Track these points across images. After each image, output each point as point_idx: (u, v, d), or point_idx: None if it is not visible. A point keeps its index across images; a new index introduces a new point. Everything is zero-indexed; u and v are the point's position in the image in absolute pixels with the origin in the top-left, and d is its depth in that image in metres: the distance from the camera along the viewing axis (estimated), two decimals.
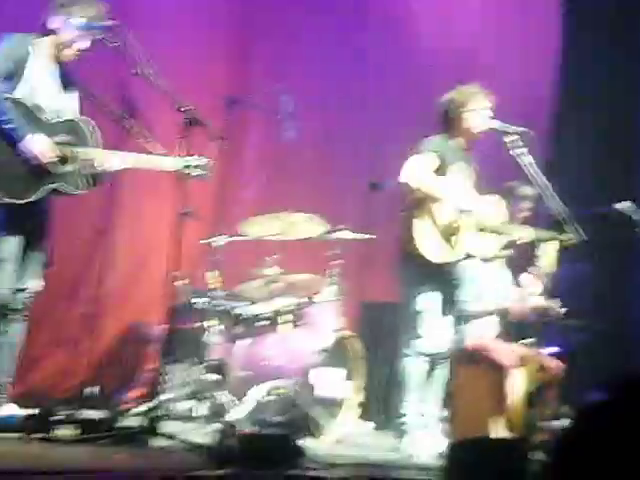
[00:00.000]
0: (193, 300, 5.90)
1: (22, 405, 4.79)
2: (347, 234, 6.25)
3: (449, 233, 5.24)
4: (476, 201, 5.33)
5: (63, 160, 4.39)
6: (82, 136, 4.50)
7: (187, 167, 4.61)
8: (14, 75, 4.37)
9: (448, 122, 5.37)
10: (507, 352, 5.49)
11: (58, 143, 4.38)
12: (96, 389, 5.82)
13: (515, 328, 5.91)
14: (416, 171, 5.12)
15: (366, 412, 6.08)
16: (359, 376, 6.02)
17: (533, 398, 5.45)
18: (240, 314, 6.00)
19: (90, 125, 4.53)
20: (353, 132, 7.74)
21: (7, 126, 4.24)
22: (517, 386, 5.32)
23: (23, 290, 4.60)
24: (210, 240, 5.76)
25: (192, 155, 4.66)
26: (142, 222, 6.55)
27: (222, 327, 5.93)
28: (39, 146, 4.29)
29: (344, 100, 7.74)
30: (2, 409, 4.61)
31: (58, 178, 4.38)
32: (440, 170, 5.20)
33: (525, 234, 5.51)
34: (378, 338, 6.54)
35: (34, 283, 4.65)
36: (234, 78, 7.13)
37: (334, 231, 6.20)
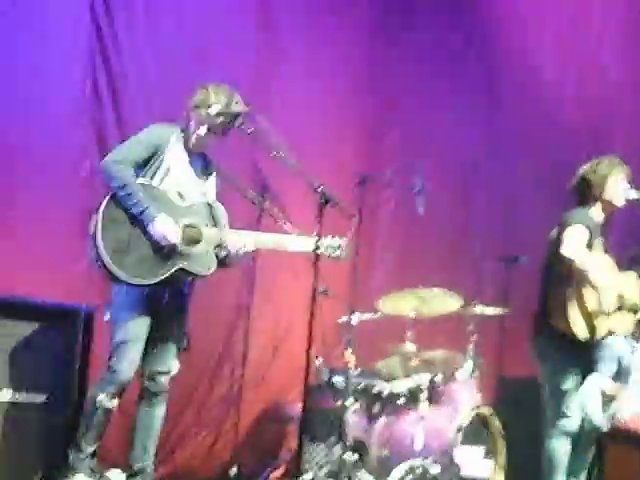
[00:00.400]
0: (331, 379, 5.90)
1: None
2: (483, 309, 6.18)
3: (597, 311, 5.11)
4: (619, 279, 5.20)
5: (192, 241, 4.48)
6: (213, 219, 4.58)
7: (318, 248, 4.62)
8: (151, 162, 4.51)
9: (589, 194, 5.28)
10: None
11: (187, 225, 4.48)
12: (236, 469, 5.87)
13: None
14: (578, 247, 5.01)
15: None
16: (499, 454, 5.89)
17: None
18: (379, 392, 5.96)
19: (221, 208, 4.63)
20: (486, 204, 7.72)
21: (137, 209, 4.36)
22: None
23: (166, 373, 4.67)
24: (346, 318, 5.77)
25: (325, 236, 4.66)
26: (280, 302, 6.65)
27: (360, 405, 5.91)
28: (166, 227, 4.39)
29: (473, 174, 7.75)
30: None
31: (186, 259, 4.47)
32: (588, 246, 5.10)
33: None
34: (517, 415, 6.39)
35: (174, 366, 4.72)
36: (364, 156, 7.23)
37: (470, 306, 6.14)
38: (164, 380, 4.67)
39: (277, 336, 6.70)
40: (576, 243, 5.02)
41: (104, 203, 4.39)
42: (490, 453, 5.88)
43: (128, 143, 4.56)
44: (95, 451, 4.56)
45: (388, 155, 7.35)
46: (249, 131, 4.63)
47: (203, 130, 4.61)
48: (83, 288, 5.03)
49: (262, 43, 6.76)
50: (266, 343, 6.62)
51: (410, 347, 6.00)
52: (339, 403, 5.67)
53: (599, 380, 5.26)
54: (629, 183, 5.29)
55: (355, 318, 5.82)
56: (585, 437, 5.20)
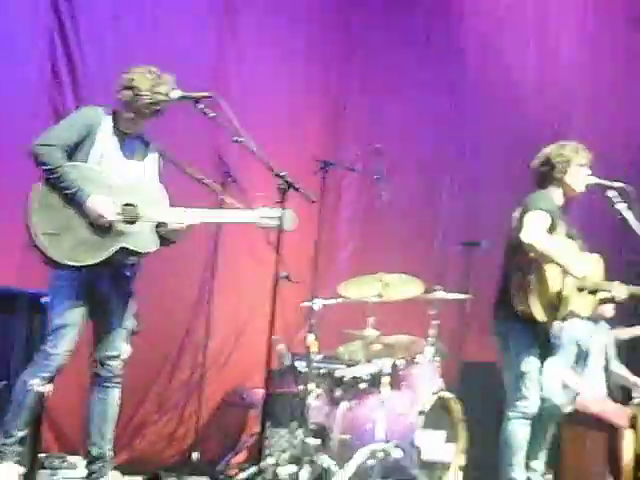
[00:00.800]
0: (293, 364, 5.91)
1: (127, 472, 4.82)
2: (444, 294, 6.21)
3: (557, 294, 5.15)
4: (583, 262, 5.24)
5: (130, 221, 4.46)
6: (150, 198, 4.55)
7: (262, 218, 4.61)
8: (84, 143, 4.48)
9: (550, 176, 5.31)
10: (617, 412, 5.35)
11: (126, 204, 4.45)
12: (198, 455, 5.87)
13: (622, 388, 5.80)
14: (537, 231, 5.05)
15: (467, 476, 5.97)
16: (460, 438, 5.93)
17: None
18: (341, 377, 5.98)
19: (159, 187, 4.59)
20: (447, 190, 7.76)
21: (69, 191, 4.35)
22: (628, 447, 5.17)
23: (116, 357, 4.64)
24: (308, 303, 5.77)
25: (264, 206, 4.65)
26: (241, 288, 6.64)
27: (322, 390, 5.92)
28: (100, 205, 4.38)
29: (437, 157, 7.79)
30: (107, 477, 4.64)
31: (126, 238, 4.45)
32: (550, 229, 5.13)
33: (621, 291, 5.35)
34: (477, 399, 6.44)
35: (125, 349, 4.69)
36: (327, 142, 7.23)
37: (431, 291, 6.16)
38: (115, 364, 4.63)
39: (239, 322, 6.69)
40: (536, 228, 5.04)
41: (38, 187, 4.37)
42: (451, 437, 5.92)
43: (58, 126, 4.53)
44: (24, 437, 4.51)
45: (350, 140, 7.36)
46: (211, 115, 4.59)
47: (130, 113, 4.58)
48: (35, 273, 4.94)
49: (225, 28, 6.72)
50: (228, 329, 6.62)
51: (372, 332, 6.02)
52: (301, 388, 5.68)
53: (558, 365, 5.31)
54: (589, 169, 5.33)
55: (317, 303, 5.83)
56: (545, 419, 5.24)
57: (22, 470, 4.55)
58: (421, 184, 7.66)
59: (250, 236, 5.49)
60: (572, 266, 5.09)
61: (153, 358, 6.25)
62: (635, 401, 6.23)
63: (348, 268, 7.07)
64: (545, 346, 5.26)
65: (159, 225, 4.51)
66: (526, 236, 5.02)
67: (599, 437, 5.94)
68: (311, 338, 5.77)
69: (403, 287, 6.08)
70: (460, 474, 5.85)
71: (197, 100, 4.60)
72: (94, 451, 4.62)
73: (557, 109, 8.13)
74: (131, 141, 4.63)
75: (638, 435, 5.29)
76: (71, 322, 4.44)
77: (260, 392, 5.82)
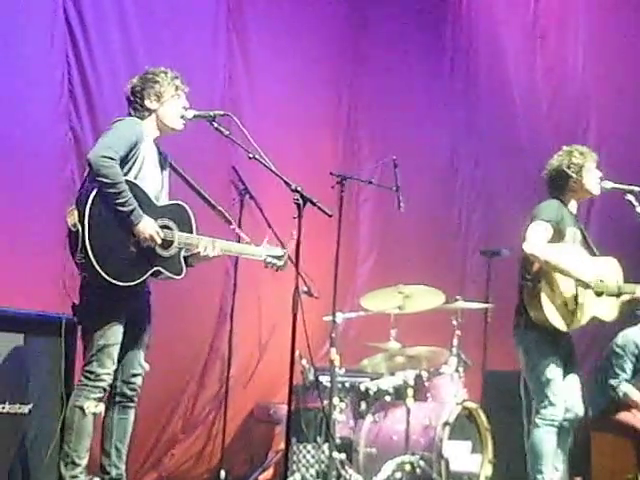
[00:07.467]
0: (317, 378, 5.91)
1: None
2: (465, 304, 6.20)
3: (573, 301, 5.15)
4: (596, 264, 5.24)
5: (166, 243, 4.45)
6: (183, 220, 4.55)
7: (270, 256, 4.65)
8: (129, 157, 4.37)
9: (565, 185, 5.31)
10: None
11: (162, 227, 4.43)
12: (225, 473, 5.87)
13: None
14: (539, 242, 5.07)
15: None
16: (486, 448, 5.91)
17: None
18: (365, 390, 5.98)
19: (189, 210, 4.58)
20: (466, 198, 7.77)
21: (125, 208, 4.24)
22: None
23: (140, 375, 4.60)
24: (330, 317, 5.78)
25: (276, 245, 4.69)
26: (262, 303, 6.65)
27: (346, 404, 5.92)
28: (151, 228, 4.33)
29: (453, 168, 7.81)
30: None
31: (160, 261, 4.43)
32: (557, 237, 5.15)
33: None
34: (503, 409, 6.41)
35: (145, 365, 4.66)
36: (342, 156, 7.25)
37: (452, 301, 6.16)
38: (139, 382, 4.60)
39: (262, 338, 6.70)
40: (535, 238, 5.09)
41: (90, 200, 4.21)
42: (477, 448, 5.90)
43: (113, 137, 4.36)
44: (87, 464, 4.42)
45: (365, 154, 7.38)
46: (226, 133, 4.61)
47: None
48: (64, 298, 4.95)
49: (236, 49, 6.75)
50: (251, 345, 6.63)
51: (394, 344, 6.02)
52: (326, 402, 5.68)
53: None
54: (598, 170, 5.35)
55: (339, 317, 5.84)
56: (566, 426, 5.22)
57: None
58: (438, 195, 7.67)
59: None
60: (576, 272, 5.09)
61: (178, 377, 6.26)
62: None
63: (368, 281, 7.08)
64: (567, 351, 5.26)
65: (186, 249, 4.51)
66: (527, 246, 5.08)
67: (629, 444, 5.92)
68: (334, 352, 5.78)
69: (424, 298, 6.08)
70: None
71: (213, 119, 4.62)
72: (114, 472, 4.49)
73: (572, 118, 8.15)
74: (160, 149, 4.63)
75: None
76: (114, 341, 4.37)
77: (285, 408, 5.82)
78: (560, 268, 5.11)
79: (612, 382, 6.06)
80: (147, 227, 4.31)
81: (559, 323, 5.11)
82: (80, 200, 4.26)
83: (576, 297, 5.14)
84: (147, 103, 4.51)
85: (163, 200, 4.56)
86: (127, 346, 4.50)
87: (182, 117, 4.58)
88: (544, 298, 5.11)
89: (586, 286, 5.13)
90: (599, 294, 5.23)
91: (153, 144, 4.55)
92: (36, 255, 5.50)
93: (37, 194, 5.61)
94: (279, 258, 4.66)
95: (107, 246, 4.25)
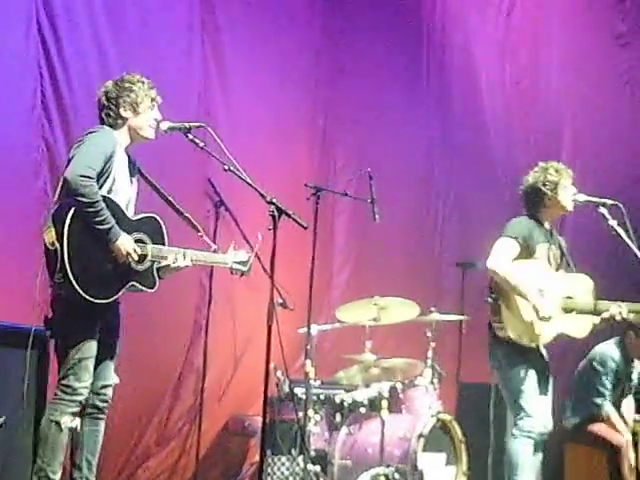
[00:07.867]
0: (291, 390, 5.90)
1: None
2: (440, 316, 6.22)
3: (536, 318, 5.14)
4: (559, 283, 5.25)
5: (141, 258, 4.43)
6: (155, 232, 4.52)
7: (234, 263, 4.66)
8: (102, 171, 4.31)
9: (539, 202, 5.33)
10: (620, 429, 5.35)
11: (136, 241, 4.39)
12: None
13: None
14: (500, 258, 5.09)
15: None
16: (461, 460, 5.92)
17: None
18: (340, 402, 5.98)
19: (161, 222, 4.55)
20: (440, 212, 7.80)
21: (103, 227, 4.20)
22: (629, 466, 5.17)
23: (110, 386, 4.57)
24: (305, 329, 5.78)
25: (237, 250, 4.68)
26: (237, 315, 6.63)
27: (321, 416, 5.92)
28: (129, 245, 4.30)
29: (428, 180, 7.84)
30: None
31: (135, 276, 4.41)
32: (525, 254, 5.17)
33: (618, 310, 5.29)
34: (477, 421, 6.43)
35: (116, 379, 4.63)
36: (317, 168, 7.26)
37: (427, 313, 6.17)
38: (110, 393, 4.56)
39: (237, 350, 6.69)
40: (500, 256, 5.10)
41: (68, 218, 4.16)
42: (452, 459, 5.91)
43: (89, 154, 4.26)
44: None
45: (341, 166, 7.40)
46: (201, 145, 4.60)
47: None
48: (34, 309, 4.90)
49: (210, 58, 6.75)
50: (226, 357, 6.61)
51: (369, 356, 6.02)
52: (300, 414, 5.67)
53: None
54: (574, 186, 5.37)
55: (314, 329, 5.84)
56: (538, 440, 5.23)
57: None
58: (413, 207, 7.70)
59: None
60: (530, 294, 5.08)
61: (153, 390, 6.23)
62: (637, 417, 6.24)
63: (344, 293, 7.09)
64: (540, 363, 5.26)
65: (156, 262, 4.48)
66: (489, 262, 5.11)
67: (602, 456, 5.95)
68: (309, 364, 5.78)
69: (399, 310, 6.09)
70: None
71: (188, 130, 4.59)
72: None
73: (547, 129, 8.21)
74: (130, 158, 4.59)
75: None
76: (90, 354, 4.33)
77: (259, 420, 5.81)
78: (517, 289, 5.09)
79: (597, 400, 6.11)
80: (124, 244, 4.28)
81: (521, 339, 5.12)
82: (57, 217, 4.21)
83: (537, 313, 5.13)
84: (122, 112, 4.46)
85: (131, 208, 4.53)
86: (99, 357, 4.46)
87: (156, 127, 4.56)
88: (505, 314, 5.12)
89: (537, 311, 5.12)
90: (568, 311, 5.23)
91: (124, 153, 4.52)
92: (7, 267, 5.47)
93: (9, 205, 5.57)
94: (244, 264, 4.65)
95: (85, 265, 4.21)
